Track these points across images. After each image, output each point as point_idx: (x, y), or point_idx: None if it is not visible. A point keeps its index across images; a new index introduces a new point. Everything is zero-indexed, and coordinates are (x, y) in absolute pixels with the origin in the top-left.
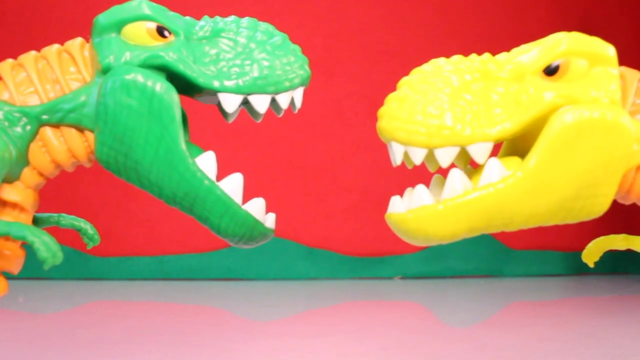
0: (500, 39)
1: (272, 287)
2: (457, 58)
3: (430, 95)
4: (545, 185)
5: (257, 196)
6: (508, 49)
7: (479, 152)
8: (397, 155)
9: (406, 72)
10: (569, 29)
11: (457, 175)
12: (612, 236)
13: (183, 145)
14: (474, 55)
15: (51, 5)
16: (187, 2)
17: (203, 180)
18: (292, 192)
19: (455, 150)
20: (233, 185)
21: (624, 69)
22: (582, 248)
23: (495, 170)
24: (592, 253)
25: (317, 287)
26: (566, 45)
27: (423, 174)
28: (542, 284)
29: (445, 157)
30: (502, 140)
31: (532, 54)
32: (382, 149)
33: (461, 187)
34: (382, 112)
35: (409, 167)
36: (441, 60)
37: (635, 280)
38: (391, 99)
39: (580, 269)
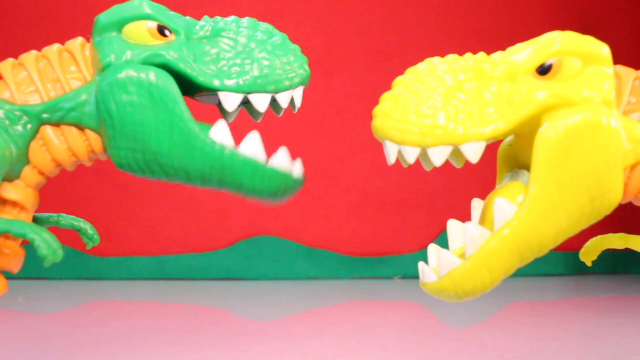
0: (500, 39)
1: (272, 287)
2: (451, 57)
3: (423, 94)
4: (557, 204)
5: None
6: None
7: (472, 151)
8: (391, 154)
9: None
10: (568, 28)
11: (472, 229)
12: (609, 235)
13: (193, 124)
14: (468, 55)
15: (51, 5)
16: (187, 2)
17: (224, 150)
18: None
19: (449, 150)
20: (253, 145)
21: (620, 67)
22: (582, 248)
23: (505, 209)
24: (589, 252)
25: (317, 287)
26: (559, 44)
27: (423, 174)
28: (542, 284)
29: (438, 156)
30: (495, 139)
31: (525, 53)
32: (381, 149)
33: (480, 238)
34: (377, 111)
35: (405, 166)
36: (436, 60)
37: (635, 280)
38: (385, 98)
39: (580, 269)
